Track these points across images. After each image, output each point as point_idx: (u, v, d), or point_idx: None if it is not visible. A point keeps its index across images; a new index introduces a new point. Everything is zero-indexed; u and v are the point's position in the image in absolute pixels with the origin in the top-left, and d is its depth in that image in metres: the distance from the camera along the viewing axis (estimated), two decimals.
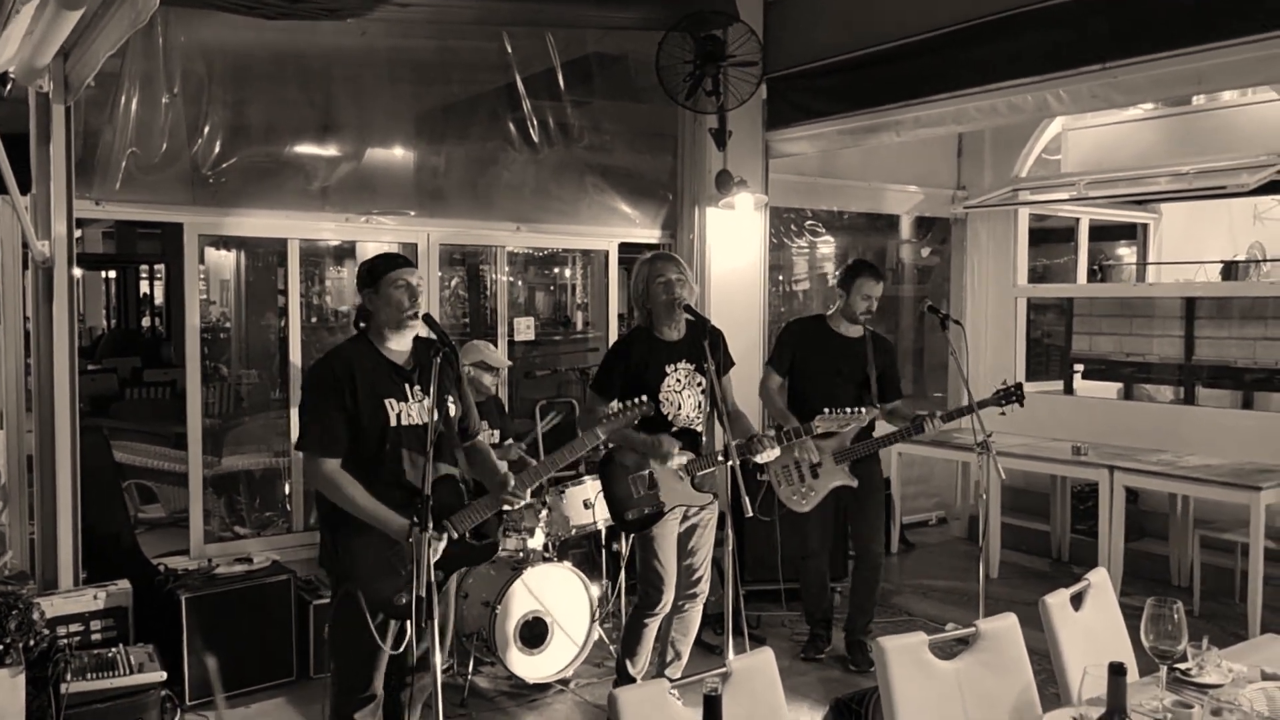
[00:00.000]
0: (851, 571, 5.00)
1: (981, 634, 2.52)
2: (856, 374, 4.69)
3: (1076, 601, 2.80)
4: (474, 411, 3.45)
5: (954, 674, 2.45)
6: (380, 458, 3.12)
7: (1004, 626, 2.55)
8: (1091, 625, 2.78)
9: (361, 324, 3.26)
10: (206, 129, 4.81)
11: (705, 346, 3.77)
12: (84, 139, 4.50)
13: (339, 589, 3.18)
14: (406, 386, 3.19)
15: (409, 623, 3.12)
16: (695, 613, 4.17)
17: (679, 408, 3.95)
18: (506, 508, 3.32)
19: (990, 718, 2.42)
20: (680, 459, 3.94)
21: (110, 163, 4.59)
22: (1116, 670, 1.84)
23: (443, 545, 3.09)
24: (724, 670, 2.22)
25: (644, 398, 3.55)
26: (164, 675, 3.93)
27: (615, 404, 3.70)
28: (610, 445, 4.02)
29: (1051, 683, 2.66)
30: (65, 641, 4.10)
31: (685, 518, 4.05)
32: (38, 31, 3.52)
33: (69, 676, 3.79)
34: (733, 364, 4.14)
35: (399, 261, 3.23)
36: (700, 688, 2.25)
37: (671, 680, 2.17)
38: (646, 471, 3.93)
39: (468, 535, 3.22)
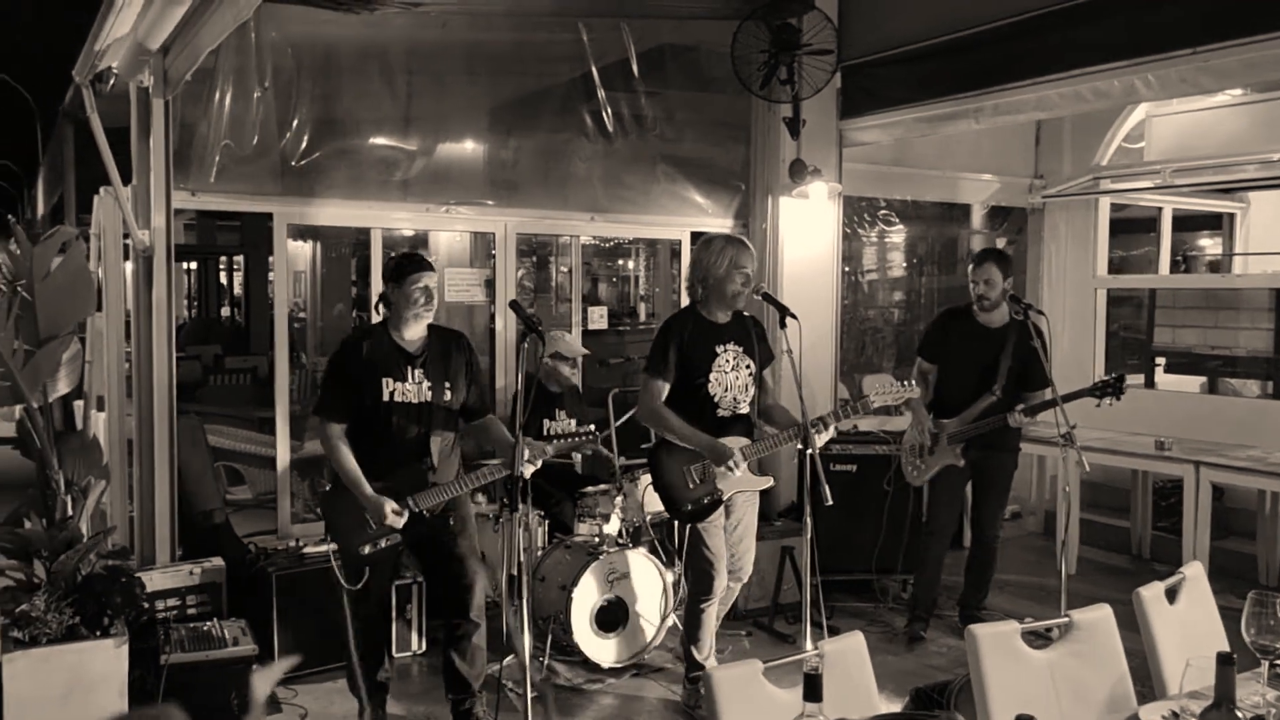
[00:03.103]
0: (968, 554, 5.18)
1: (1075, 625, 2.50)
2: (984, 362, 4.74)
3: (1171, 595, 2.76)
4: (486, 395, 3.94)
5: (1046, 664, 2.44)
6: (373, 426, 3.64)
7: (1098, 618, 2.52)
8: (1187, 619, 2.73)
9: (383, 307, 3.75)
10: (295, 122, 4.96)
11: (754, 337, 4.05)
12: (180, 132, 4.66)
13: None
14: (409, 368, 3.66)
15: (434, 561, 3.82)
16: (733, 594, 4.32)
17: (726, 389, 3.95)
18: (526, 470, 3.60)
19: (1084, 709, 2.40)
20: (741, 465, 3.91)
21: (205, 155, 4.75)
22: (1225, 660, 1.82)
23: (403, 519, 3.62)
24: (817, 652, 2.24)
25: (593, 428, 3.89)
26: (257, 649, 4.06)
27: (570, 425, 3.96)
28: (663, 437, 4.02)
29: (1137, 678, 2.62)
30: (163, 615, 4.28)
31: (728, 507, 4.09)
32: (142, 28, 3.67)
33: (168, 648, 3.96)
34: (772, 358, 4.20)
35: (422, 265, 3.68)
36: (790, 670, 2.28)
37: (764, 662, 2.19)
38: (702, 462, 3.93)
39: (426, 511, 3.68)
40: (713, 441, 3.90)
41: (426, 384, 3.67)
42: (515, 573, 2.86)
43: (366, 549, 3.65)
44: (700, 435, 3.90)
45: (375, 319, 3.95)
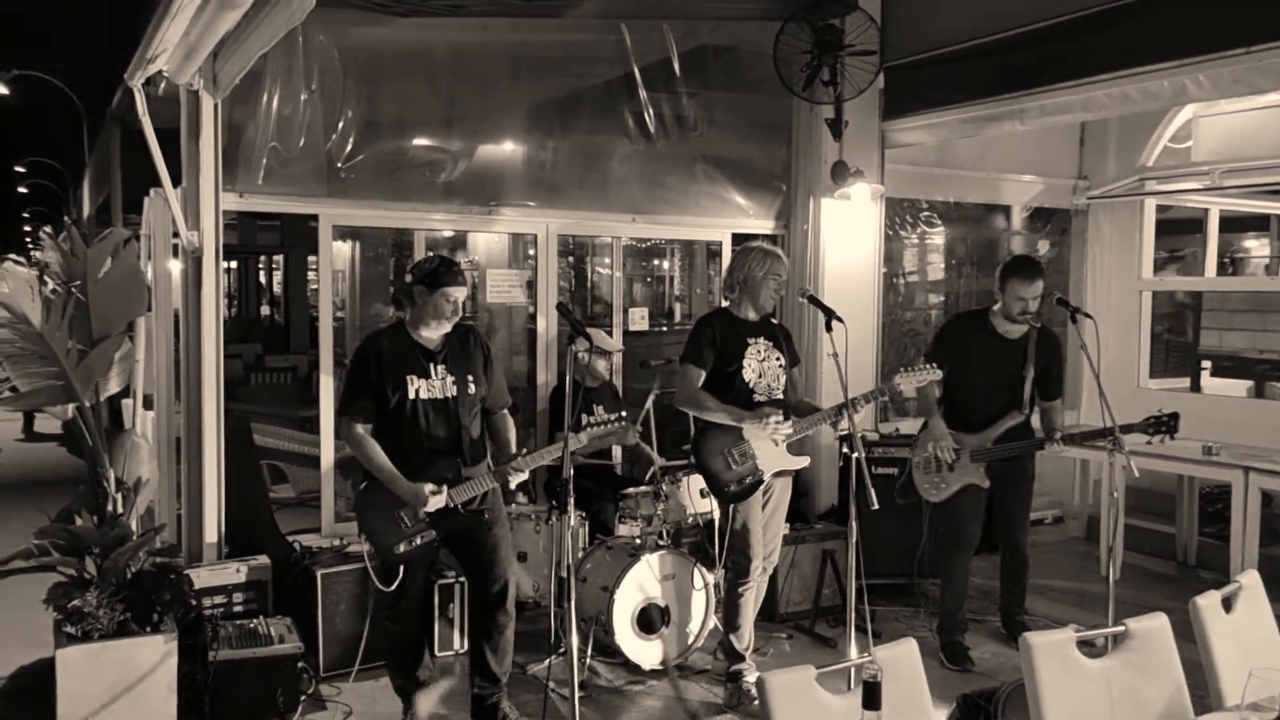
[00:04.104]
0: (1001, 563, 5.01)
1: (1131, 634, 2.46)
2: (1009, 377, 4.63)
3: (1227, 604, 2.72)
4: (503, 391, 3.96)
5: (1102, 673, 2.41)
6: (402, 424, 3.66)
7: (1154, 627, 2.49)
8: (1243, 628, 2.70)
9: (401, 303, 3.79)
10: (341, 124, 5.00)
11: (782, 338, 4.27)
12: (228, 134, 4.71)
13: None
14: (431, 365, 3.70)
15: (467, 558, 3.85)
16: (763, 584, 4.37)
17: (760, 375, 4.18)
18: (509, 479, 3.75)
19: (1140, 719, 2.37)
20: (784, 427, 4.13)
21: (253, 157, 4.80)
22: None
23: (442, 500, 3.65)
24: (869, 658, 2.23)
25: (624, 414, 3.90)
26: (302, 647, 4.11)
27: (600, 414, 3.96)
28: (706, 423, 4.19)
29: (1191, 687, 2.57)
30: (210, 612, 4.34)
31: (764, 490, 4.22)
32: (195, 32, 3.71)
33: (216, 645, 4.01)
34: (797, 361, 4.42)
35: (457, 279, 3.69)
36: (835, 676, 2.27)
37: (817, 668, 2.18)
38: (742, 444, 4.11)
39: (461, 506, 3.73)
40: (751, 412, 4.10)
41: (450, 379, 3.72)
42: (565, 575, 2.88)
43: (402, 548, 3.68)
44: (736, 410, 4.11)
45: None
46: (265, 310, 16.89)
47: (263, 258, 16.90)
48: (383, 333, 3.81)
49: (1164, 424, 4.41)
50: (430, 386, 3.69)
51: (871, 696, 1.73)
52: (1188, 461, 5.84)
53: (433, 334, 3.74)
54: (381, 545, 3.69)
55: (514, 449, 3.86)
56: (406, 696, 3.95)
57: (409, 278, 3.75)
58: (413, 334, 3.73)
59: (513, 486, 3.81)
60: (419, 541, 3.69)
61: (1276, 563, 5.94)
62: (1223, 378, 7.34)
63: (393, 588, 3.73)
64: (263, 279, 17.30)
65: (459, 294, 3.68)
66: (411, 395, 3.66)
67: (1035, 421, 4.83)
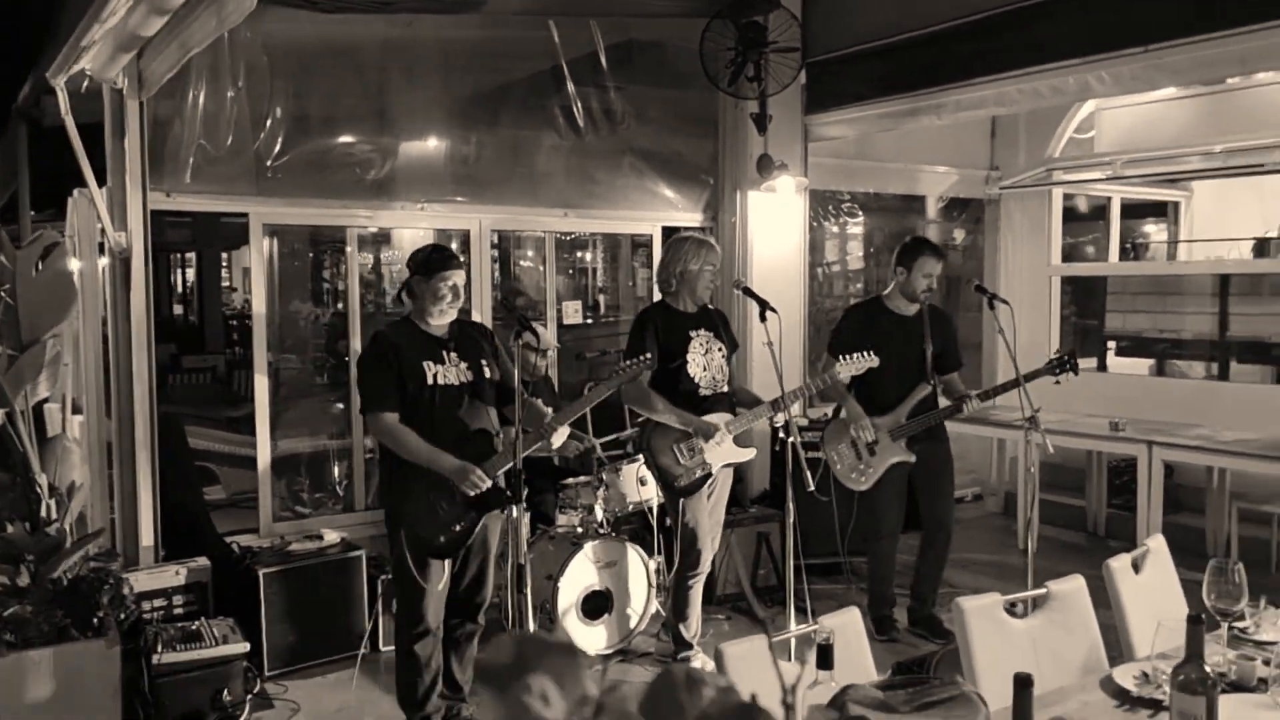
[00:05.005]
0: (920, 547, 5.01)
1: (1052, 595, 2.66)
2: (912, 354, 4.78)
3: (1136, 566, 2.94)
4: (512, 374, 3.83)
5: (1027, 632, 2.60)
6: (424, 411, 3.63)
7: (1073, 588, 2.69)
8: (1151, 587, 2.92)
9: (405, 297, 3.78)
10: (269, 121, 4.95)
11: (720, 324, 4.38)
12: (154, 132, 4.64)
13: (394, 534, 3.70)
14: (443, 352, 3.71)
15: (449, 562, 3.72)
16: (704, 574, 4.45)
17: (704, 369, 4.25)
18: (545, 440, 3.72)
19: (1062, 671, 2.56)
20: (726, 434, 4.19)
21: (180, 155, 4.73)
22: (1194, 620, 1.98)
23: (488, 482, 3.58)
24: (816, 627, 2.37)
25: (649, 355, 3.94)
26: (247, 646, 4.10)
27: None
28: (653, 420, 4.25)
29: (1105, 643, 2.78)
30: (150, 615, 4.30)
31: (709, 481, 4.31)
32: (123, 33, 3.67)
33: (159, 648, 3.98)
34: (736, 346, 4.52)
35: (451, 262, 3.70)
36: (789, 645, 2.41)
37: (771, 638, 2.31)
38: (689, 438, 4.19)
39: (499, 480, 3.69)
40: (699, 419, 4.17)
41: (464, 364, 3.73)
42: (522, 562, 2.96)
43: (443, 538, 3.61)
44: (685, 414, 4.17)
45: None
46: (178, 310, 16.46)
47: (174, 255, 16.45)
48: (392, 329, 3.80)
49: (1065, 362, 4.57)
50: (446, 373, 3.68)
51: (824, 657, 1.86)
52: (1096, 438, 6.16)
53: (439, 322, 3.72)
54: (422, 536, 3.61)
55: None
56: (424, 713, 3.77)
57: (406, 271, 3.77)
58: (420, 325, 3.73)
59: (555, 445, 3.76)
60: (458, 528, 3.62)
61: (1179, 530, 6.31)
62: (1127, 357, 7.73)
63: (441, 586, 3.64)
64: (174, 277, 16.85)
65: (456, 277, 3.67)
66: (430, 380, 3.64)
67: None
